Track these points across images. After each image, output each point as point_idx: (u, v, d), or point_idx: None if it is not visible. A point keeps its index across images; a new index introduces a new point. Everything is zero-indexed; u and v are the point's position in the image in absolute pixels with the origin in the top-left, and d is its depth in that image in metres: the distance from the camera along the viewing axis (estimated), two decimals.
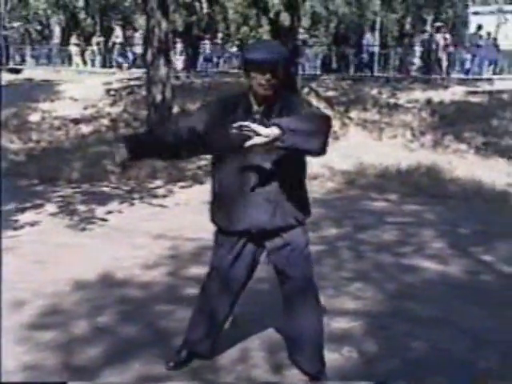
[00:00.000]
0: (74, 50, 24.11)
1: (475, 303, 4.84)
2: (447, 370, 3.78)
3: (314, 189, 8.77)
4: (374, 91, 17.07)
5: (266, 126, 2.98)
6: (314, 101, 16.01)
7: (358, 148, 11.60)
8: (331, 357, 3.87)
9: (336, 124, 13.92)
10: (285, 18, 14.26)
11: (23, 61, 26.61)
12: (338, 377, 3.65)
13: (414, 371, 3.75)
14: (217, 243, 3.50)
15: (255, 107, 3.26)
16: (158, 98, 10.80)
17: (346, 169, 9.86)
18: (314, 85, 17.69)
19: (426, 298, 4.95)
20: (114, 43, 23.36)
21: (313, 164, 10.06)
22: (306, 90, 16.98)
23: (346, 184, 9.14)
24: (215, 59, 23.63)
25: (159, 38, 10.50)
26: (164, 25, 10.56)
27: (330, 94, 17.15)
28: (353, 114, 14.83)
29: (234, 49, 25.10)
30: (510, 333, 4.34)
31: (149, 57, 10.76)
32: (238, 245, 3.39)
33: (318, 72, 22.21)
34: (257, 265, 3.52)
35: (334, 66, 22.89)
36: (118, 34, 23.56)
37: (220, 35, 24.72)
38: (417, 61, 21.53)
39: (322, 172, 9.40)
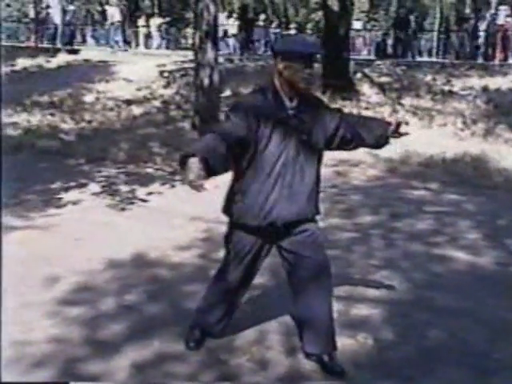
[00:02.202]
0: (129, 31, 24.46)
1: (500, 295, 4.83)
2: (460, 360, 3.81)
3: (355, 175, 8.81)
4: (429, 77, 16.81)
5: (303, 121, 3.25)
6: (367, 86, 15.95)
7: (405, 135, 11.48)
8: (346, 342, 3.95)
9: (386, 110, 13.84)
10: (333, 3, 14.12)
11: (84, 41, 27.17)
12: (349, 362, 3.72)
13: (427, 360, 3.79)
14: (232, 230, 3.59)
15: (287, 103, 3.31)
16: (206, 81, 10.91)
17: (390, 156, 9.77)
18: (367, 70, 17.55)
19: (452, 288, 4.95)
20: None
21: (356, 151, 10.07)
22: (358, 75, 16.88)
23: (388, 172, 9.10)
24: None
25: (207, 22, 10.59)
26: (212, 8, 10.64)
27: (384, 79, 16.98)
28: (405, 100, 14.69)
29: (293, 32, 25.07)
30: None
31: (197, 40, 10.88)
32: (258, 235, 3.47)
33: (373, 57, 21.97)
34: (269, 253, 3.62)
35: (390, 50, 22.60)
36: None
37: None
38: (477, 46, 21.07)
39: (364, 159, 9.37)
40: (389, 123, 3.44)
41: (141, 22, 25.84)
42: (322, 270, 3.54)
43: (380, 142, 3.57)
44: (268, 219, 3.36)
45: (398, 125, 3.35)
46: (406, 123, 3.29)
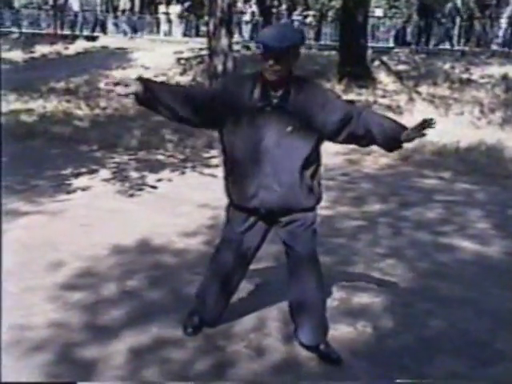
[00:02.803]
0: (147, 18, 24.49)
1: (506, 285, 4.78)
2: (460, 350, 3.79)
3: (367, 164, 8.76)
4: (447, 65, 16.65)
5: (286, 111, 3.21)
6: (384, 74, 15.83)
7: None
8: (344, 330, 3.95)
9: (403, 99, 13.74)
10: None
11: (105, 29, 27.23)
12: (347, 350, 3.71)
13: (426, 349, 3.77)
14: (228, 216, 3.62)
15: (272, 92, 3.29)
16: (220, 68, 10.88)
17: (404, 145, 9.71)
18: (385, 58, 17.42)
19: (456, 277, 4.91)
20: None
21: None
22: (376, 63, 16.76)
23: (401, 160, 9.03)
24: None
25: (222, 9, 10.55)
26: None
27: (401, 67, 16.85)
28: (422, 88, 14.58)
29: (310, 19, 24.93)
30: None
31: (211, 27, 10.85)
32: (249, 219, 3.49)
33: (392, 45, 21.78)
34: (264, 239, 3.61)
35: (409, 38, 22.39)
36: None
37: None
38: (501, 33, 20.79)
39: (376, 147, 9.29)
40: (405, 127, 3.33)
41: (161, 8, 25.82)
42: (308, 260, 3.54)
43: (391, 145, 3.43)
44: (252, 203, 3.39)
45: (424, 123, 3.17)
46: (433, 123, 3.14)
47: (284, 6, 24.24)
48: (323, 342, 3.62)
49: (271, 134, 3.26)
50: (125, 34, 23.36)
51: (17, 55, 20.16)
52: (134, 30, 23.89)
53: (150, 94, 3.28)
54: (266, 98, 3.27)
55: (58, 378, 3.38)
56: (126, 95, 3.30)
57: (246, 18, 22.96)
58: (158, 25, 25.37)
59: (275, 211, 3.41)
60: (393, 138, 3.32)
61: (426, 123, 3.14)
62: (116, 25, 26.59)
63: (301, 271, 3.54)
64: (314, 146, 3.33)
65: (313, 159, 3.38)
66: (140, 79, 3.31)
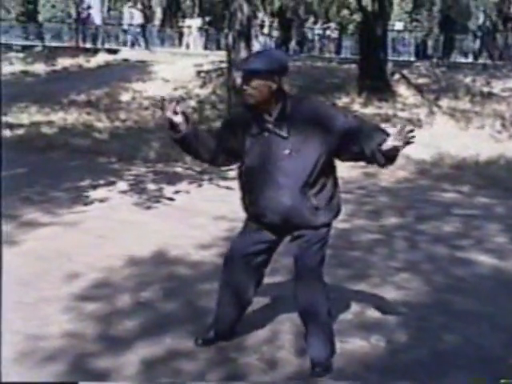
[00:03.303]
0: (168, 31, 24.68)
1: None
2: (474, 365, 3.74)
3: (384, 177, 8.72)
4: (468, 79, 16.58)
5: (279, 134, 3.28)
6: (404, 88, 15.78)
7: (440, 137, 11.36)
8: (358, 344, 3.93)
9: (423, 112, 13.69)
10: (368, 3, 14.04)
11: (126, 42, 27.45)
12: (360, 364, 3.69)
13: (440, 364, 3.73)
14: (243, 228, 3.66)
15: (266, 116, 3.35)
16: (239, 81, 10.93)
17: (422, 158, 9.68)
18: (405, 71, 17.38)
19: (472, 292, 4.87)
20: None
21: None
22: (396, 76, 16.72)
23: (419, 174, 8.99)
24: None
25: (241, 22, 10.62)
26: (246, 8, 10.67)
27: (422, 81, 16.79)
28: (443, 102, 14.51)
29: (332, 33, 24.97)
30: None
31: (230, 40, 10.93)
32: (259, 232, 3.54)
33: (413, 58, 21.74)
34: (273, 252, 3.65)
35: (430, 51, 22.35)
36: None
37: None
38: None
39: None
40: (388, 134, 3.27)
41: (186, 22, 26.00)
42: (310, 275, 3.56)
43: (376, 157, 3.22)
44: (261, 221, 3.49)
45: (401, 132, 3.08)
46: (411, 131, 3.07)
47: (305, 19, 24.30)
48: (329, 360, 3.63)
49: (271, 157, 3.33)
50: (133, 45, 23.49)
51: (39, 68, 20.36)
52: (145, 43, 23.97)
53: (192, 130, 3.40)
54: (262, 124, 3.35)
55: None
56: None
57: (265, 30, 23.01)
58: (180, 38, 25.54)
59: (283, 229, 3.49)
60: (377, 149, 3.19)
61: (403, 132, 3.09)
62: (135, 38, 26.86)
63: (301, 286, 3.58)
64: (315, 166, 3.32)
65: (317, 178, 3.36)
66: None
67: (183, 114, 3.36)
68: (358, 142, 3.25)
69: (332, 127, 3.30)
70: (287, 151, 3.29)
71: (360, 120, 3.56)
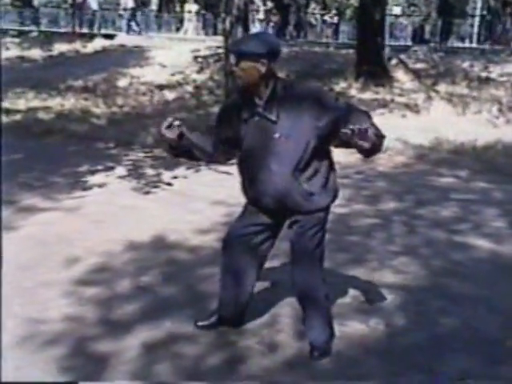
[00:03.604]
0: (165, 16, 24.57)
1: None
2: (472, 348, 3.77)
3: (382, 162, 8.73)
4: (466, 64, 16.57)
5: (268, 118, 3.28)
6: (402, 73, 15.75)
7: (437, 122, 11.37)
8: (357, 327, 3.96)
9: (420, 97, 13.67)
10: None
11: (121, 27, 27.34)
12: (358, 347, 3.72)
13: (438, 347, 3.76)
14: (242, 211, 3.67)
15: (257, 100, 3.35)
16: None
17: (420, 143, 9.69)
18: (402, 56, 17.35)
19: (470, 276, 4.89)
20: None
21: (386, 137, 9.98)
22: (393, 61, 16.68)
23: (417, 159, 9.00)
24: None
25: (238, 6, 10.58)
26: None
27: (419, 66, 16.77)
28: (440, 87, 14.49)
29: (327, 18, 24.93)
30: None
31: (227, 25, 10.89)
32: (257, 215, 3.57)
33: (410, 43, 21.71)
34: (272, 238, 3.67)
35: (427, 36, 22.32)
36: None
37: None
38: None
39: (392, 145, 9.30)
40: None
41: (186, 7, 25.88)
42: (305, 259, 3.58)
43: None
44: (257, 205, 3.53)
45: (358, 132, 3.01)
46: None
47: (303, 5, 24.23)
48: (328, 343, 3.67)
49: (262, 142, 3.34)
50: (127, 32, 23.42)
51: (36, 53, 20.31)
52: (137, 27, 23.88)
53: (185, 140, 3.48)
54: (253, 107, 3.36)
55: (72, 371, 3.41)
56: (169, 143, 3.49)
57: (261, 15, 22.93)
58: (178, 23, 25.46)
59: (279, 213, 3.51)
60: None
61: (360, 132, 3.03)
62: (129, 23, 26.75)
63: (298, 270, 3.61)
64: (305, 151, 3.30)
65: (309, 162, 3.35)
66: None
67: (179, 128, 3.42)
68: (347, 127, 3.15)
69: (322, 112, 3.28)
70: (277, 135, 3.29)
71: (350, 105, 3.53)
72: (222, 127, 3.54)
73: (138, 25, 24.07)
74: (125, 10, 24.00)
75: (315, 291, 3.64)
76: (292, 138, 3.29)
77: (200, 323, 3.90)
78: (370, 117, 3.32)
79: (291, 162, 3.32)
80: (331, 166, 3.52)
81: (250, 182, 3.50)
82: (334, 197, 3.55)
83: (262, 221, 3.57)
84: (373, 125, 3.20)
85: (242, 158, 3.51)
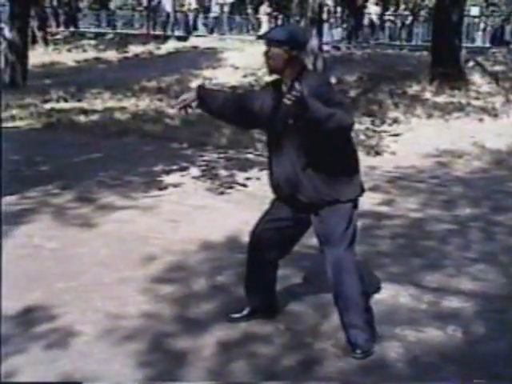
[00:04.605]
0: (237, 18, 24.73)
1: None
2: None
3: (458, 167, 8.57)
4: None
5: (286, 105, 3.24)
6: (478, 75, 15.38)
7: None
8: (433, 333, 3.91)
9: (498, 101, 13.31)
10: None
11: (195, 29, 27.68)
12: (436, 353, 3.66)
13: None
14: (270, 204, 3.82)
15: (284, 87, 3.50)
16: (309, 68, 10.88)
17: (498, 148, 9.46)
18: (480, 58, 16.97)
19: None
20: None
21: (462, 142, 9.82)
22: (470, 63, 16.34)
23: (494, 164, 8.78)
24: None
25: (312, 9, 10.57)
26: None
27: (498, 68, 16.35)
28: None
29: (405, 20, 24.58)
30: None
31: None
32: (281, 210, 3.70)
33: (488, 44, 21.19)
34: (298, 229, 3.78)
35: (508, 37, 21.69)
36: None
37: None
38: None
39: (469, 150, 9.14)
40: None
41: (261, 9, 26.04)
42: (334, 256, 3.62)
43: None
44: (277, 191, 3.65)
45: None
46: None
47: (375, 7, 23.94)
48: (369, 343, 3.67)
49: (280, 127, 3.48)
50: (189, 33, 23.70)
51: (111, 55, 20.82)
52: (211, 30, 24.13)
53: (205, 102, 3.67)
54: (279, 92, 3.49)
55: (150, 366, 3.48)
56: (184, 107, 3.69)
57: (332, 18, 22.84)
58: (258, 25, 25.59)
59: (297, 204, 3.58)
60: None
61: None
62: (205, 25, 27.00)
63: (327, 265, 3.66)
64: (315, 142, 3.38)
65: (322, 155, 3.43)
66: (199, 88, 3.73)
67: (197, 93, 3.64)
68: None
69: (323, 102, 3.30)
70: (291, 120, 3.37)
71: (341, 103, 3.52)
72: (253, 98, 3.75)
73: (205, 26, 24.35)
74: (189, 10, 24.35)
75: (345, 287, 3.62)
76: (301, 126, 3.32)
77: (233, 316, 4.00)
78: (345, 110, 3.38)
79: (299, 149, 3.43)
80: (351, 160, 3.61)
81: (270, 168, 3.65)
82: (359, 192, 3.63)
83: (284, 215, 3.68)
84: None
85: (267, 143, 3.71)
